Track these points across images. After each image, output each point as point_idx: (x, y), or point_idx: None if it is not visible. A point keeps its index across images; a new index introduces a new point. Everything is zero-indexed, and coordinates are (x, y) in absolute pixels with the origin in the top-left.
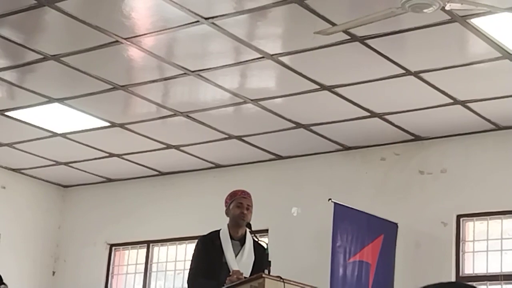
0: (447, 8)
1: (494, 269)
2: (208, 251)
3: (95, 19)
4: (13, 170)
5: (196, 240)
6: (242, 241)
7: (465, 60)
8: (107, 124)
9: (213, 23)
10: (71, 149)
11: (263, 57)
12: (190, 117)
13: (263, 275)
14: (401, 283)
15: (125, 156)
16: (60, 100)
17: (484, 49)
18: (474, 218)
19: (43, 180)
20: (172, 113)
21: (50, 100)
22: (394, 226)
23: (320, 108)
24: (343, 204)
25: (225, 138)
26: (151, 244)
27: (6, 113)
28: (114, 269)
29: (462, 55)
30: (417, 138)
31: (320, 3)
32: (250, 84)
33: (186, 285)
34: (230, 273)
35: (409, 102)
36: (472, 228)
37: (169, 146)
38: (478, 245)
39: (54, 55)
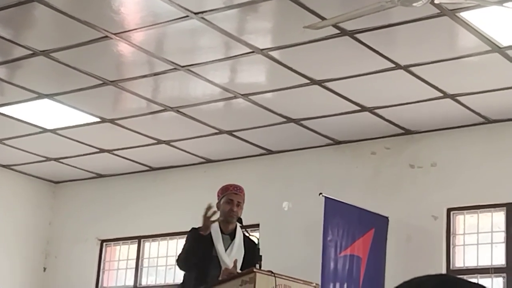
0: (436, 1)
1: (484, 262)
2: (198, 243)
3: (84, 14)
4: (3, 166)
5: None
6: (233, 235)
7: (455, 53)
8: (98, 119)
9: (202, 18)
10: (62, 145)
11: (253, 52)
12: (180, 112)
13: (254, 270)
14: (392, 276)
15: (115, 152)
16: (50, 96)
17: (474, 43)
18: (465, 211)
19: (34, 176)
20: (163, 108)
21: (40, 96)
22: (385, 220)
23: (311, 102)
24: (334, 198)
25: (216, 133)
26: (142, 240)
27: None
28: (105, 264)
29: (451, 48)
30: (407, 132)
31: None
32: (240, 79)
33: (177, 280)
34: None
35: (399, 96)
36: (462, 221)
37: (159, 142)
38: (469, 238)
39: (43, 51)
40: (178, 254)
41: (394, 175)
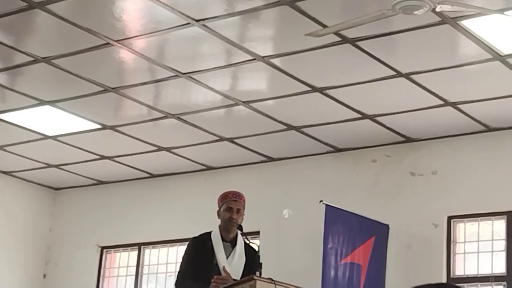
0: (437, 9)
1: (484, 270)
2: (199, 253)
3: (86, 21)
4: (4, 172)
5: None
6: (233, 242)
7: (456, 61)
8: (98, 126)
9: (204, 25)
10: (62, 152)
11: (254, 59)
12: (181, 119)
13: (255, 277)
14: (393, 284)
15: (116, 159)
16: (51, 103)
17: (475, 51)
18: (465, 219)
19: (34, 182)
20: (164, 115)
21: (41, 102)
22: (385, 227)
23: (311, 110)
24: (335, 206)
25: (217, 140)
26: (142, 247)
27: None
28: (105, 271)
29: (452, 56)
30: (408, 139)
31: (311, 5)
32: (241, 86)
33: None
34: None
35: (400, 103)
36: (463, 229)
37: (160, 148)
38: (469, 246)
39: (44, 58)
40: (178, 271)
41: (394, 183)
